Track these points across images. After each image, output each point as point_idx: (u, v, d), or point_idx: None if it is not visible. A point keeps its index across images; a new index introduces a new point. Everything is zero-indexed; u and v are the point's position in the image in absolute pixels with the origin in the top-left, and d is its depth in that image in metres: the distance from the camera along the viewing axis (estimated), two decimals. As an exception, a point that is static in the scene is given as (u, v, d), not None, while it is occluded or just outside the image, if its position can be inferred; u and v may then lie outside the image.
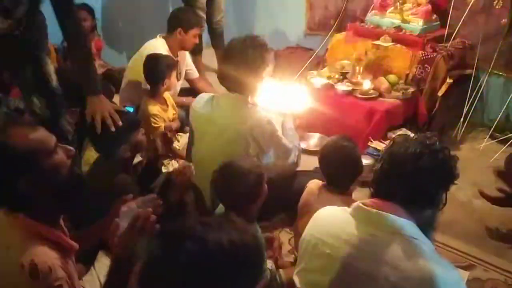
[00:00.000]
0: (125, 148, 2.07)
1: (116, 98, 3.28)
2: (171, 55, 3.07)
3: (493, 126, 3.28)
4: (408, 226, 1.21)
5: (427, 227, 1.27)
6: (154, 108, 2.73)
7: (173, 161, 2.67)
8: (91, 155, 2.20)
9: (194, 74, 3.44)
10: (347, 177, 2.01)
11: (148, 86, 2.83)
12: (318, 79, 3.34)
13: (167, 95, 2.87)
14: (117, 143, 2.04)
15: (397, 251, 1.17)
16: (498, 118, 3.28)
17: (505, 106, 3.25)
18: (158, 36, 3.21)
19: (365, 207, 1.25)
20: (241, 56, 2.14)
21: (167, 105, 2.85)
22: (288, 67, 4.32)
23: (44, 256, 1.18)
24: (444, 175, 1.26)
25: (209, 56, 4.27)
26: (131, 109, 2.83)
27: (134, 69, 3.02)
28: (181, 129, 2.98)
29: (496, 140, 3.23)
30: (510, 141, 3.13)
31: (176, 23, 3.18)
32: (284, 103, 2.42)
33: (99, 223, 1.65)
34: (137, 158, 2.37)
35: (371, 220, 1.23)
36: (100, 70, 3.72)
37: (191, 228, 0.94)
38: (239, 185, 1.82)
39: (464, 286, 1.18)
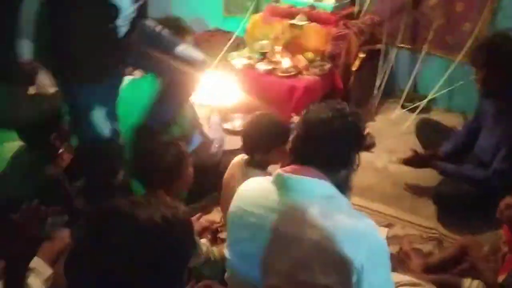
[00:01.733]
0: (55, 136, 1.98)
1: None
2: None
3: (403, 97, 3.52)
4: (324, 187, 1.28)
5: (343, 187, 1.33)
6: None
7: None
8: (10, 147, 2.07)
9: None
10: (264, 144, 1.97)
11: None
12: (239, 60, 3.38)
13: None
14: (48, 131, 1.95)
15: (317, 211, 1.22)
16: (407, 89, 3.52)
17: (412, 77, 3.49)
18: None
19: (284, 173, 1.30)
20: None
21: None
22: (209, 50, 4.32)
23: None
24: (355, 137, 1.33)
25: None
26: None
27: None
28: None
29: (406, 109, 3.48)
30: (419, 109, 3.39)
31: None
32: (215, 96, 2.43)
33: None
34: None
35: (291, 185, 1.28)
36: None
37: (120, 207, 0.92)
38: (156, 164, 1.79)
39: (378, 234, 1.26)
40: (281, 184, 1.30)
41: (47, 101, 2.14)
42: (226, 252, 1.43)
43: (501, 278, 1.79)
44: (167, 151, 1.82)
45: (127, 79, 2.29)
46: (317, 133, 1.28)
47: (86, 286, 0.90)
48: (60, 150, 2.17)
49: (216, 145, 2.35)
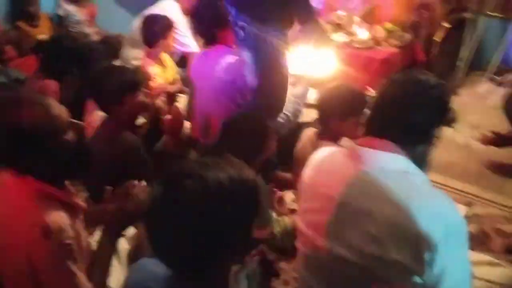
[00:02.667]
0: (126, 107, 2.11)
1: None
2: (184, 17, 3.08)
3: (491, 69, 3.28)
4: (399, 161, 1.23)
5: (420, 163, 1.27)
6: (153, 68, 2.75)
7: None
8: (99, 115, 2.23)
9: None
10: (340, 111, 1.95)
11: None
12: (315, 32, 3.33)
13: (165, 55, 2.89)
14: (117, 100, 2.07)
15: (391, 186, 1.19)
16: (496, 61, 3.28)
17: (502, 48, 3.24)
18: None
19: (357, 145, 1.27)
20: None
21: (165, 66, 2.87)
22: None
23: (56, 216, 1.22)
24: (438, 111, 1.26)
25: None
26: None
27: None
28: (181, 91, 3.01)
29: (494, 82, 3.25)
30: (508, 83, 3.15)
31: None
32: (310, 68, 2.42)
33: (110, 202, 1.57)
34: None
35: (364, 158, 1.24)
36: (95, 37, 3.73)
37: (190, 168, 0.97)
38: (246, 136, 1.84)
39: (457, 213, 1.19)
40: (354, 157, 1.27)
41: (129, 73, 2.26)
42: (298, 220, 1.45)
43: None
44: (253, 123, 1.87)
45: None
46: (397, 105, 1.22)
47: (161, 241, 0.98)
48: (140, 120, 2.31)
49: (285, 117, 2.35)
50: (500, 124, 2.69)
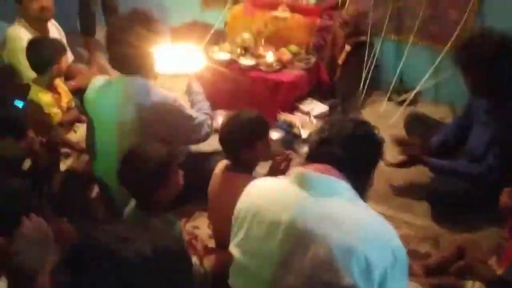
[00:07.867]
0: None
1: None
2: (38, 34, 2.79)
3: (390, 89, 3.44)
4: (345, 187, 1.27)
5: (360, 192, 1.32)
6: (47, 97, 2.49)
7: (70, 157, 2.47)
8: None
9: None
10: (247, 139, 1.88)
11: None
12: (221, 55, 3.25)
13: (57, 82, 2.61)
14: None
15: (336, 210, 1.22)
16: (393, 82, 3.45)
17: (398, 69, 3.41)
18: (16, 22, 2.85)
19: (307, 171, 1.29)
20: (129, 35, 1.97)
21: (59, 93, 2.60)
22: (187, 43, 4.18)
23: None
24: (374, 148, 1.39)
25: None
26: (20, 104, 2.53)
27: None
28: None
29: (393, 102, 3.41)
30: (406, 103, 3.33)
31: None
32: (180, 64, 2.36)
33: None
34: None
35: (313, 182, 1.27)
36: None
37: (108, 245, 0.87)
38: (139, 171, 1.70)
39: (396, 235, 1.24)
40: (303, 182, 1.28)
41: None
42: (235, 250, 1.36)
43: (500, 271, 1.78)
44: (150, 159, 1.70)
45: (97, 82, 2.15)
46: (342, 137, 1.33)
47: None
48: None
49: (208, 122, 2.24)
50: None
